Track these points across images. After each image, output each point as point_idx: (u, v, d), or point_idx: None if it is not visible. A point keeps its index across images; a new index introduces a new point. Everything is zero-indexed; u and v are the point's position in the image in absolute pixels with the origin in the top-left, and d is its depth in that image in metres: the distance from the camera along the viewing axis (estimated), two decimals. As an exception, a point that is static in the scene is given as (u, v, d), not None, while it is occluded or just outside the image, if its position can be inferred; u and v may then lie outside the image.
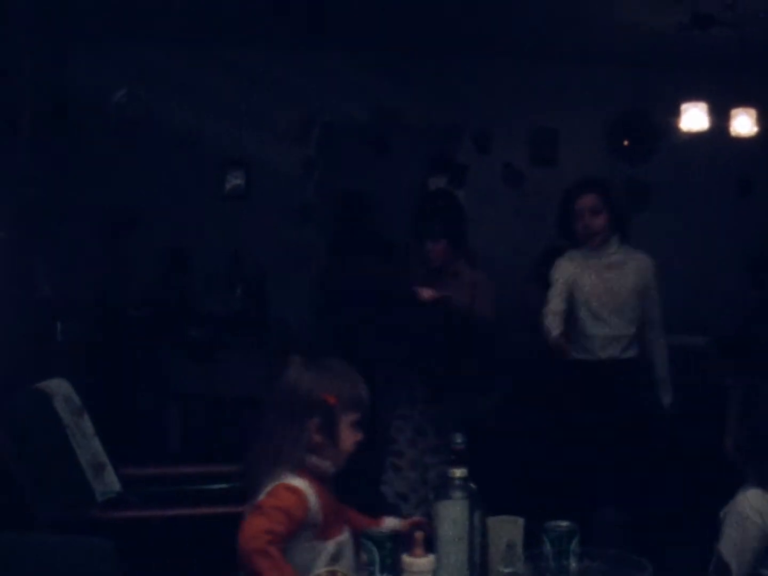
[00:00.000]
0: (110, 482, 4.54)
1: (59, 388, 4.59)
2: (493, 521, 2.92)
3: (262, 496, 2.90)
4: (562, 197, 5.66)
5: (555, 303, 5.44)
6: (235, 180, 8.75)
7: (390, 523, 3.13)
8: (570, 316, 5.50)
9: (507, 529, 2.91)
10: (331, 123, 8.73)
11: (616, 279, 5.49)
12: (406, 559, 2.70)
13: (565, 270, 5.54)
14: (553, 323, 5.35)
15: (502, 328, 5.76)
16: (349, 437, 3.06)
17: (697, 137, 7.95)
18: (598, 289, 5.48)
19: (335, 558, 2.94)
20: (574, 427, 5.32)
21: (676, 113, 7.83)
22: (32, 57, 7.03)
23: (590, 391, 5.39)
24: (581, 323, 5.50)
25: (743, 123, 7.87)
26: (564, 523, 2.74)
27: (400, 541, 2.70)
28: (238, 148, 8.52)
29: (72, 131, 7.85)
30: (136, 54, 8.19)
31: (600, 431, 5.18)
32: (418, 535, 2.75)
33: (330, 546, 2.95)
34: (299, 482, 2.94)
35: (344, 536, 3.00)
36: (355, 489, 3.25)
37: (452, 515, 2.78)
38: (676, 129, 7.91)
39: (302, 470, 2.98)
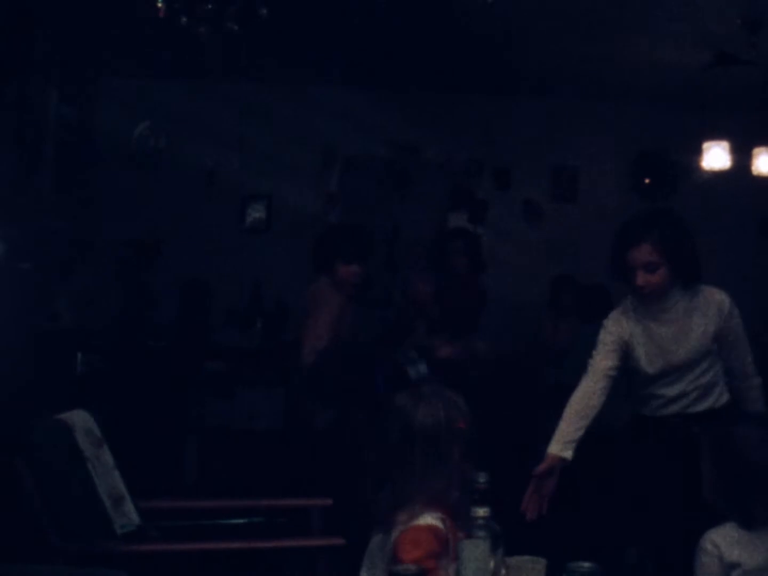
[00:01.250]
0: (129, 515, 4.52)
1: (80, 419, 4.59)
2: (515, 561, 2.90)
3: (405, 545, 2.86)
4: (614, 242, 4.67)
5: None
6: (255, 213, 8.79)
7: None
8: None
9: (529, 570, 2.89)
10: (352, 158, 8.76)
11: (674, 337, 4.56)
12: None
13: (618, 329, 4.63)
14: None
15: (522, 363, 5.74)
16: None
17: (718, 176, 7.96)
18: (652, 351, 4.59)
19: None
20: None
21: (698, 152, 7.85)
22: (57, 89, 7.08)
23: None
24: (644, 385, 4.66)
25: (765, 162, 7.88)
26: (586, 564, 2.72)
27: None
28: (260, 182, 8.56)
29: (95, 164, 7.90)
30: (158, 89, 8.25)
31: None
32: None
33: None
34: (436, 520, 2.92)
35: None
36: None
37: (475, 555, 2.76)
38: (698, 167, 7.92)
39: (437, 504, 2.96)
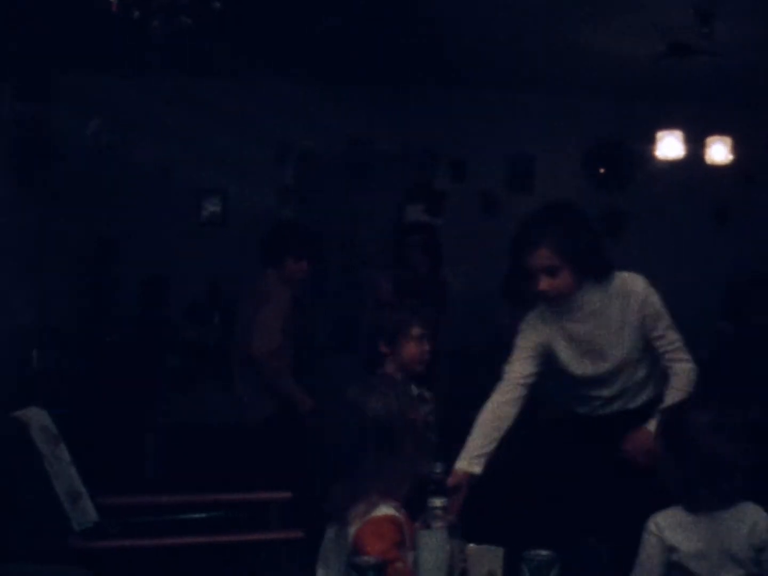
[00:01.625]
0: (87, 512, 4.50)
1: (36, 416, 4.56)
2: (473, 550, 2.92)
3: (369, 538, 2.85)
4: (510, 248, 4.35)
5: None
6: (211, 207, 8.76)
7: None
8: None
9: (487, 559, 2.91)
10: (307, 152, 8.75)
11: (593, 334, 4.32)
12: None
13: (534, 333, 4.39)
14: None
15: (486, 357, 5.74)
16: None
17: (673, 165, 8.02)
18: (576, 352, 4.36)
19: None
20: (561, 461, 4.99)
21: (652, 141, 7.90)
22: (12, 87, 7.04)
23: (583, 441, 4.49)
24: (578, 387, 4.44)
25: (719, 151, 7.96)
26: (544, 553, 2.73)
27: (384, 571, 2.67)
28: (215, 177, 8.53)
29: (52, 161, 7.86)
30: (113, 85, 8.18)
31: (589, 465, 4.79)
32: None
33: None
34: (392, 509, 2.92)
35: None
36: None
37: (432, 544, 2.77)
38: (653, 157, 7.97)
39: (391, 495, 2.96)
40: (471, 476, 4.09)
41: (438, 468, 2.86)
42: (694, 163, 7.98)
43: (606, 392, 4.38)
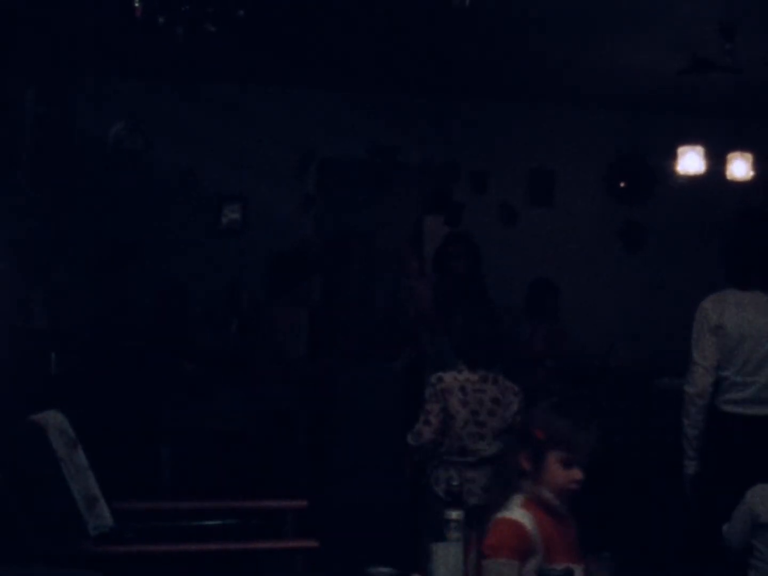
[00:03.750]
0: (103, 516, 4.52)
1: (54, 420, 4.58)
2: (488, 564, 2.91)
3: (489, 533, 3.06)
4: None
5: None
6: (231, 214, 8.76)
7: None
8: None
9: (502, 572, 2.90)
10: (329, 160, 8.76)
11: None
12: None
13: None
14: None
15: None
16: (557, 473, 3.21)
17: (693, 180, 7.99)
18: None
19: None
20: None
21: (673, 156, 7.88)
22: (34, 89, 7.06)
23: None
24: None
25: (739, 167, 7.93)
26: (559, 567, 2.74)
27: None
28: (236, 183, 8.54)
29: (72, 164, 7.88)
30: (136, 89, 8.22)
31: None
32: None
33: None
34: (519, 514, 3.09)
35: (574, 567, 2.95)
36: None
37: (447, 557, 2.78)
38: (673, 172, 7.95)
39: (529, 501, 3.16)
40: None
41: (455, 480, 2.87)
42: (715, 179, 7.95)
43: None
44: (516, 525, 3.05)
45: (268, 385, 7.32)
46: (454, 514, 2.80)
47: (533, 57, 7.44)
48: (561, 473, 3.17)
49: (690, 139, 7.85)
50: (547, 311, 7.98)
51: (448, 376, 5.29)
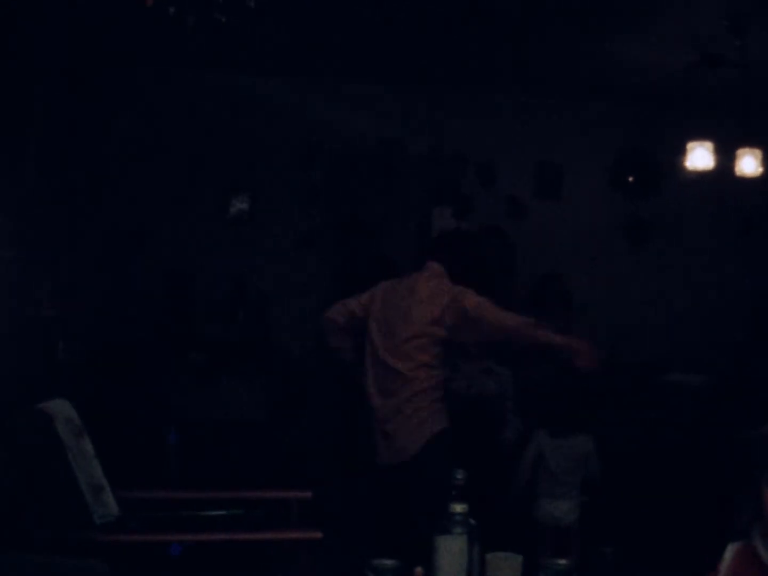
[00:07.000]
0: (109, 505, 4.52)
1: (61, 408, 4.58)
2: (492, 557, 2.92)
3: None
4: None
5: None
6: (239, 205, 8.76)
7: None
8: None
9: (506, 566, 2.91)
10: (336, 151, 8.75)
11: None
12: None
13: None
14: None
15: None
16: None
17: (702, 176, 7.98)
18: None
19: None
20: None
21: (681, 152, 7.87)
22: (43, 79, 7.07)
23: None
24: None
25: (749, 163, 7.92)
26: (562, 561, 2.75)
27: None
28: (244, 173, 8.55)
29: (79, 153, 7.88)
30: (143, 78, 8.23)
31: None
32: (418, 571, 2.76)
33: None
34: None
35: None
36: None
37: (452, 550, 2.79)
38: (682, 167, 7.94)
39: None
40: None
41: (459, 474, 2.87)
42: (724, 175, 7.94)
43: None
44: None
45: (274, 374, 7.34)
46: (459, 508, 2.81)
47: (543, 51, 7.44)
48: None
49: (698, 135, 7.84)
50: (555, 305, 7.96)
51: None
